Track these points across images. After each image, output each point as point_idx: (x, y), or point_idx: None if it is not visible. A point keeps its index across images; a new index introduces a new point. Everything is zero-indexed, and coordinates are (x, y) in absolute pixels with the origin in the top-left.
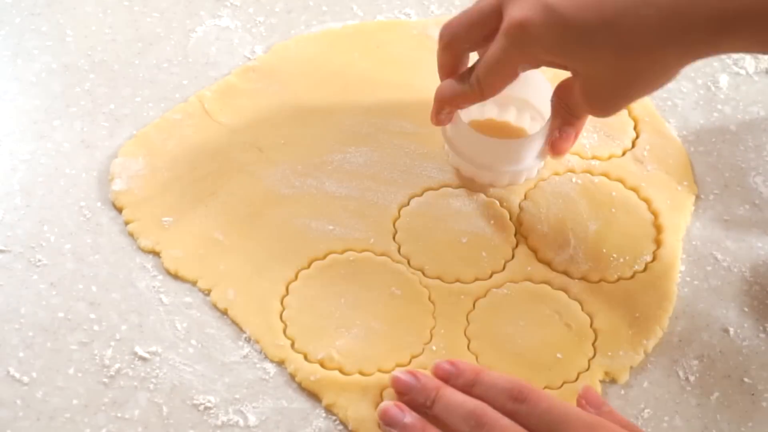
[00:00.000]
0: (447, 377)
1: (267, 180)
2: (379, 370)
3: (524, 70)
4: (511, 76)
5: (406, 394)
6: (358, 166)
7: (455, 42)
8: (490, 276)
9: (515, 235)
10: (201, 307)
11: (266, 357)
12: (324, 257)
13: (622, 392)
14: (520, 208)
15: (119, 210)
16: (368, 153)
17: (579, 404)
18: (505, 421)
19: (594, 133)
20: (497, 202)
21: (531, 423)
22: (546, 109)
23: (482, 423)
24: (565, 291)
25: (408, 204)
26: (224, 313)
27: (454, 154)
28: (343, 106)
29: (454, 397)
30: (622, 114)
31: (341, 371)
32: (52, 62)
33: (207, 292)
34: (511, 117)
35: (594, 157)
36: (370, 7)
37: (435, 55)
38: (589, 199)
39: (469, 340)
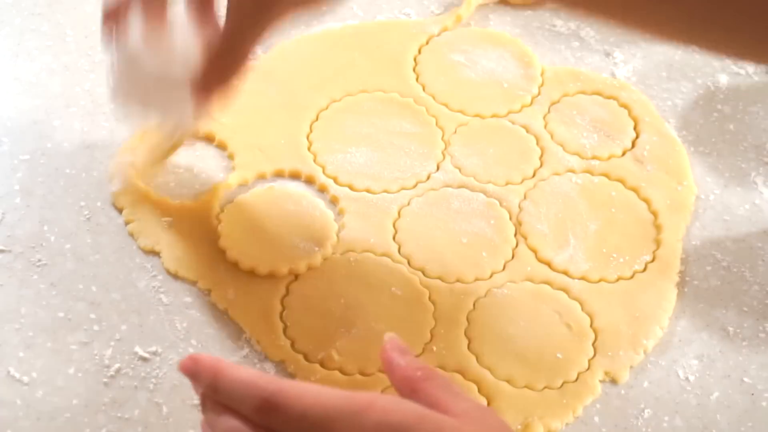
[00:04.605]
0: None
1: (267, 180)
2: (379, 371)
3: None
4: None
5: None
6: (358, 166)
7: None
8: (490, 276)
9: (515, 235)
10: (201, 307)
11: (266, 357)
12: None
13: (622, 392)
14: (520, 208)
15: (119, 210)
16: (368, 153)
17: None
18: None
19: (594, 134)
20: (497, 202)
21: None
22: None
23: None
24: (565, 291)
25: (408, 204)
26: (224, 313)
27: None
28: (342, 106)
29: (205, 414)
30: (622, 114)
31: (341, 371)
32: (52, 62)
33: (207, 292)
34: None
35: (594, 157)
36: (370, 7)
37: (435, 54)
38: (589, 199)
39: (469, 340)
